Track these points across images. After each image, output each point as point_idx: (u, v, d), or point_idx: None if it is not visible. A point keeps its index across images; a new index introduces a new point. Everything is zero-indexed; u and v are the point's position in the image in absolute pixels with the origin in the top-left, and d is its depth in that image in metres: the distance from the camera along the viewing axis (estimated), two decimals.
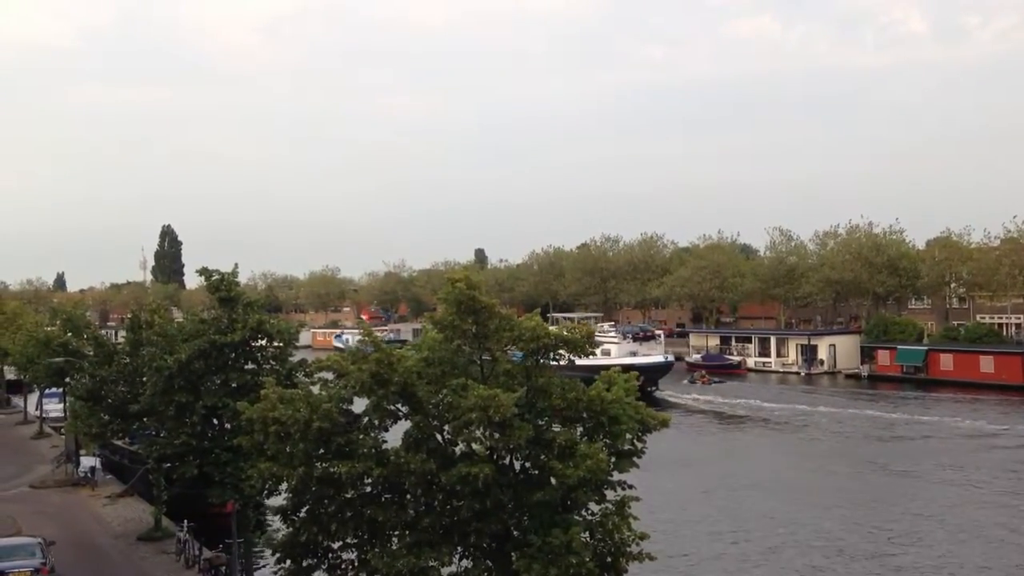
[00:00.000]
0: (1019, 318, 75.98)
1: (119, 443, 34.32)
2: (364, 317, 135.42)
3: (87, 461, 35.72)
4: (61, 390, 40.60)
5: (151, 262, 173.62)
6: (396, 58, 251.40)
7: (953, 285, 78.28)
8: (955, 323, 76.50)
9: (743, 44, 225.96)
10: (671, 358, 69.19)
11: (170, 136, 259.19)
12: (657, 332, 77.38)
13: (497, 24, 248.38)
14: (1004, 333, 75.37)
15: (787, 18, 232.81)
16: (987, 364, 64.75)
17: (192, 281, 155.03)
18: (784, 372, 77.11)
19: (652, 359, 65.09)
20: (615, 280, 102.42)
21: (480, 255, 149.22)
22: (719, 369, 76.73)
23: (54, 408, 47.35)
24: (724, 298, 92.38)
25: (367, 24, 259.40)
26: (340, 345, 71.01)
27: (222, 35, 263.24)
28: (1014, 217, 73.03)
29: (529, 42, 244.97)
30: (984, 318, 76.58)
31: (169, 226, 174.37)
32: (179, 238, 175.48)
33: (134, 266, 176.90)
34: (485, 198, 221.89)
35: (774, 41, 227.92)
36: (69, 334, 34.77)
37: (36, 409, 49.47)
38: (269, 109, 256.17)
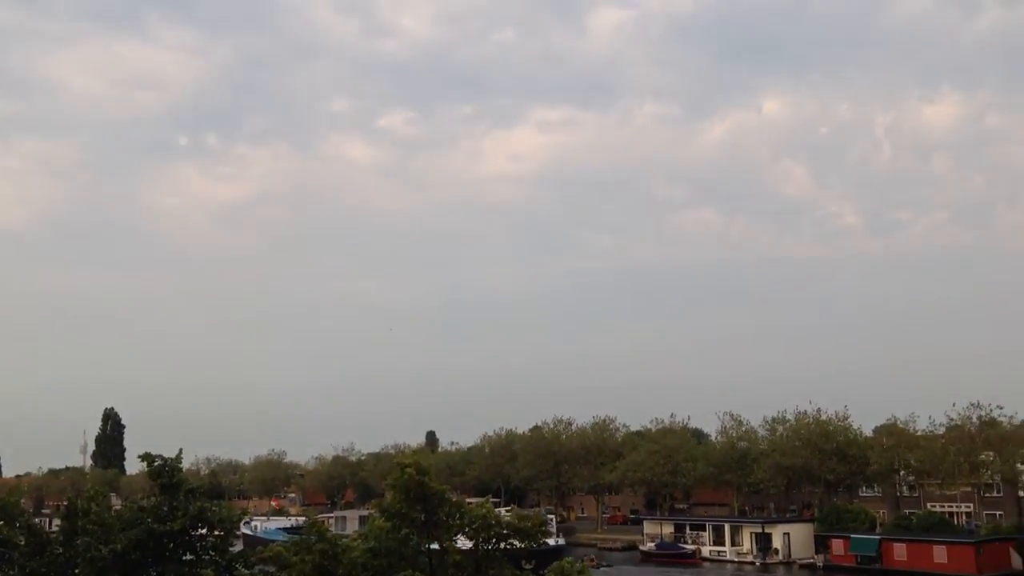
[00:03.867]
0: (968, 507, 76.17)
1: None
2: (274, 504, 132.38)
3: None
4: None
5: (92, 447, 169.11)
6: (356, 241, 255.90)
7: (902, 473, 78.77)
8: (906, 511, 76.23)
9: (688, 234, 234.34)
10: (562, 542, 68.35)
11: (118, 318, 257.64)
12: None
13: (458, 212, 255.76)
14: (955, 522, 75.27)
15: (730, 211, 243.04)
16: (941, 554, 64.28)
17: (134, 466, 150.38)
18: (739, 561, 75.75)
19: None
20: (568, 464, 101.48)
21: (431, 437, 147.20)
22: (674, 559, 75.16)
23: None
24: (677, 483, 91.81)
25: (328, 210, 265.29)
26: (248, 532, 67.55)
27: (179, 219, 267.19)
28: (953, 405, 74.66)
29: (489, 230, 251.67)
30: (935, 506, 76.57)
31: (112, 409, 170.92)
32: (122, 421, 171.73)
33: (74, 450, 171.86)
34: (438, 380, 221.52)
35: (718, 232, 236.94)
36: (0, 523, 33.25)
37: None
38: (222, 293, 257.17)
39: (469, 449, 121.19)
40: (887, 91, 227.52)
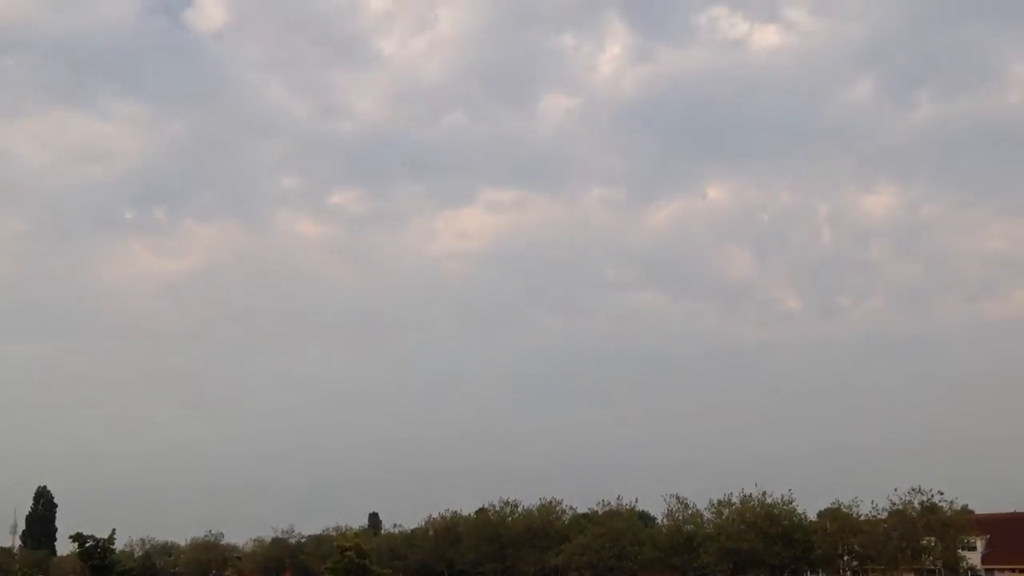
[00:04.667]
0: None
1: None
2: None
3: None
4: None
5: (22, 526, 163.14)
6: (304, 317, 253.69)
7: (846, 558, 78.92)
8: None
9: (635, 315, 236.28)
10: None
11: (54, 392, 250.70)
12: None
13: (407, 290, 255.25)
14: None
15: (676, 293, 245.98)
16: None
17: (65, 547, 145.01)
18: None
19: None
20: (514, 548, 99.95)
21: (374, 519, 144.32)
22: None
23: None
24: (624, 567, 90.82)
25: (276, 286, 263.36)
26: None
27: (123, 293, 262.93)
28: (895, 490, 75.38)
29: (438, 307, 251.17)
30: None
31: (45, 487, 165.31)
32: (55, 500, 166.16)
33: (3, 530, 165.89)
34: (384, 459, 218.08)
35: (665, 313, 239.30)
36: None
37: None
38: (165, 368, 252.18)
39: (413, 531, 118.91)
40: (827, 180, 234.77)
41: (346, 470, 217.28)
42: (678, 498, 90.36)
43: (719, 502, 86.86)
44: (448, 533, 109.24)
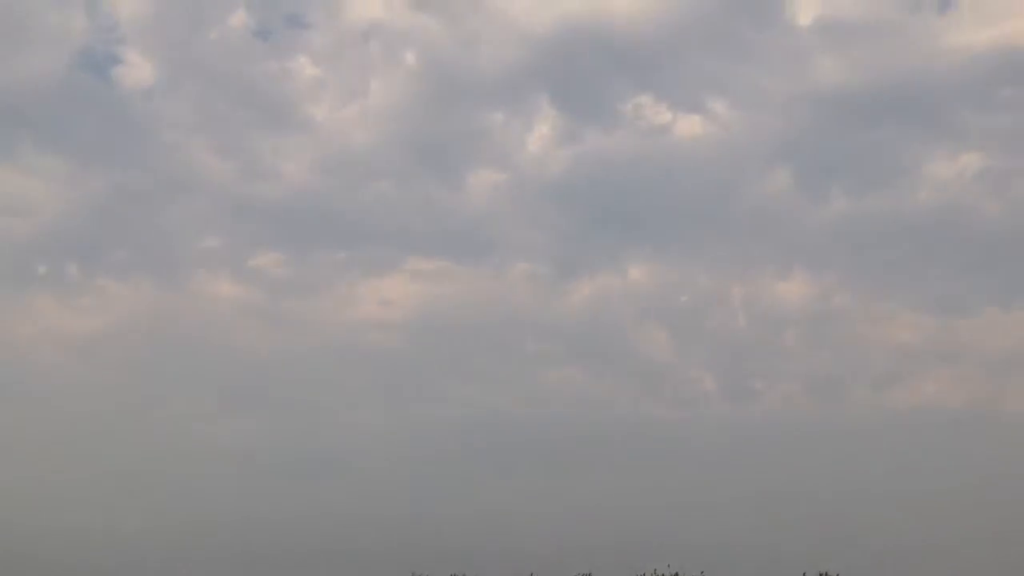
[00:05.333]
0: None
1: None
2: None
3: None
4: None
5: None
6: (219, 381, 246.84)
7: None
8: None
9: (554, 390, 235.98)
10: None
11: None
12: None
13: (326, 356, 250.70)
14: None
15: (596, 370, 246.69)
16: None
17: None
18: None
19: None
20: None
21: None
22: None
23: None
24: None
25: (191, 347, 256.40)
26: None
27: (29, 351, 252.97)
28: (804, 574, 75.93)
29: (356, 375, 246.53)
30: None
31: None
32: None
33: None
34: (297, 531, 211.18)
35: (584, 389, 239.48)
36: None
37: None
38: (71, 431, 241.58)
39: None
40: (744, 266, 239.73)
41: (258, 544, 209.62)
42: None
43: None
44: None
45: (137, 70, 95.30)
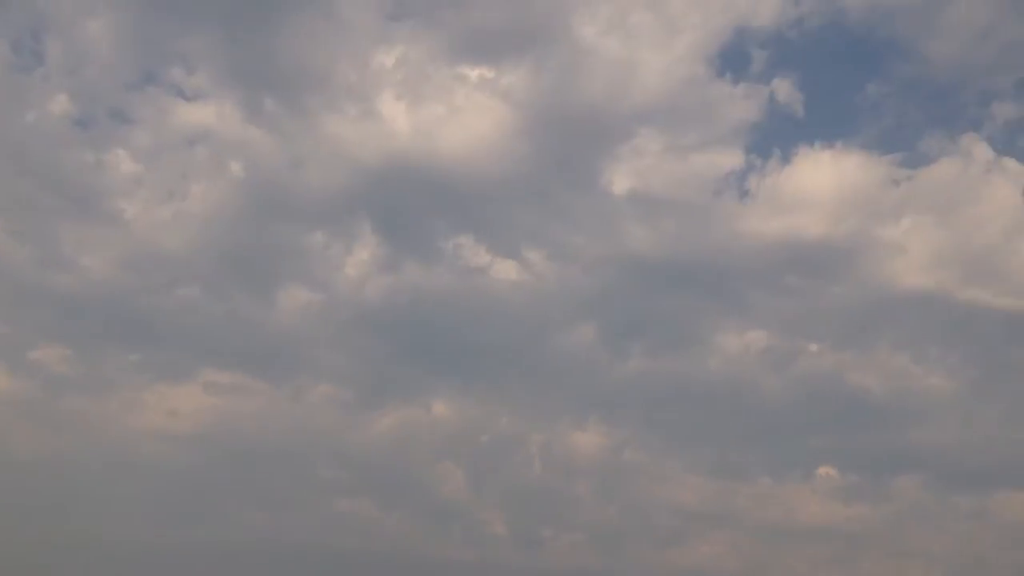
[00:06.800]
0: None
1: None
2: None
3: None
4: None
5: None
6: None
7: None
8: None
9: (345, 520, 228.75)
10: None
11: None
12: None
13: (104, 463, 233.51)
14: None
15: (390, 503, 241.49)
16: None
17: None
18: None
19: None
20: None
21: None
22: None
23: None
24: None
25: None
26: None
27: None
28: None
29: (134, 487, 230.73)
30: None
31: None
32: None
33: None
34: None
35: (376, 522, 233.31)
36: None
37: None
38: None
39: None
40: (544, 412, 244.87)
41: None
42: None
43: None
44: None
45: None
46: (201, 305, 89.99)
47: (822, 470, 74.78)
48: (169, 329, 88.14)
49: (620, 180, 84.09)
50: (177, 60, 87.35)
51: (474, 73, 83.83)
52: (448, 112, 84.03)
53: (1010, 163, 78.58)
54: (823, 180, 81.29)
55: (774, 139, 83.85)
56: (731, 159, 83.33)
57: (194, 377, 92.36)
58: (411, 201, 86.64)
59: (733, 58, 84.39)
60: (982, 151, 79.04)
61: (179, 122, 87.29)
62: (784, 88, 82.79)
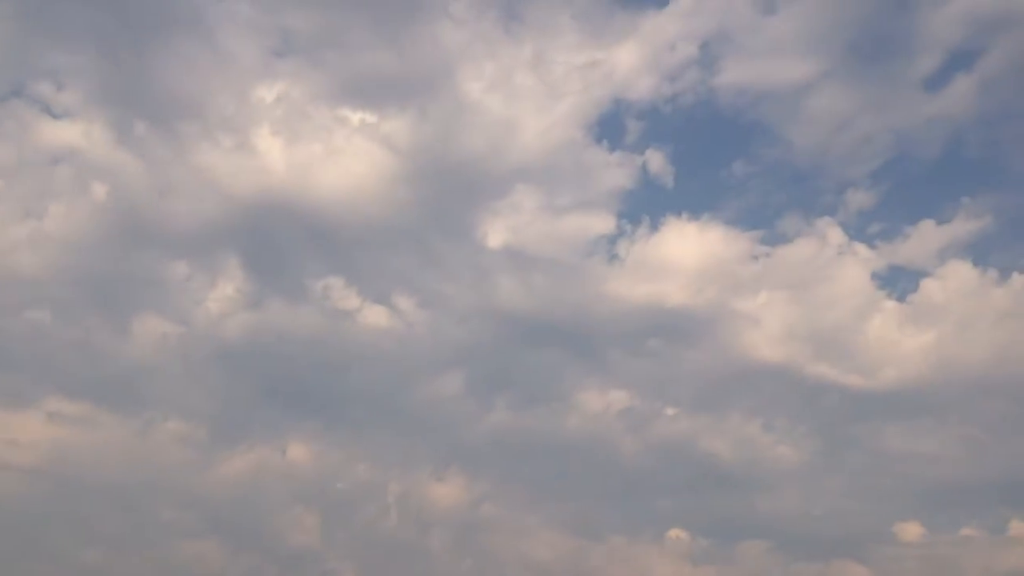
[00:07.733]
0: None
1: None
2: None
3: None
4: None
5: None
6: None
7: None
8: None
9: (185, 564, 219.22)
10: None
11: None
12: None
13: None
14: None
15: (236, 547, 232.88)
16: None
17: None
18: None
19: None
20: None
21: None
22: None
23: None
24: None
25: None
26: None
27: None
28: None
29: None
30: None
31: None
32: None
33: None
34: None
35: (220, 568, 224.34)
36: None
37: None
38: None
39: None
40: (405, 461, 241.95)
41: None
42: None
43: None
44: None
45: None
46: (51, 330, 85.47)
47: (673, 532, 76.16)
48: (13, 354, 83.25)
49: (495, 234, 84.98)
50: (46, 75, 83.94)
51: (356, 116, 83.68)
52: (326, 152, 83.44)
53: (861, 248, 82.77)
54: (688, 250, 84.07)
55: (644, 207, 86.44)
56: (603, 223, 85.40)
57: (37, 405, 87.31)
58: (281, 238, 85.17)
59: (610, 127, 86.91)
60: (836, 234, 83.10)
61: (43, 139, 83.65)
62: (657, 159, 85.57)
